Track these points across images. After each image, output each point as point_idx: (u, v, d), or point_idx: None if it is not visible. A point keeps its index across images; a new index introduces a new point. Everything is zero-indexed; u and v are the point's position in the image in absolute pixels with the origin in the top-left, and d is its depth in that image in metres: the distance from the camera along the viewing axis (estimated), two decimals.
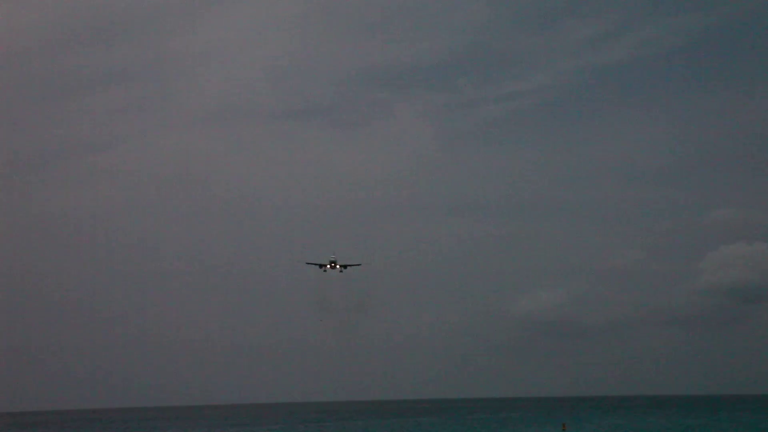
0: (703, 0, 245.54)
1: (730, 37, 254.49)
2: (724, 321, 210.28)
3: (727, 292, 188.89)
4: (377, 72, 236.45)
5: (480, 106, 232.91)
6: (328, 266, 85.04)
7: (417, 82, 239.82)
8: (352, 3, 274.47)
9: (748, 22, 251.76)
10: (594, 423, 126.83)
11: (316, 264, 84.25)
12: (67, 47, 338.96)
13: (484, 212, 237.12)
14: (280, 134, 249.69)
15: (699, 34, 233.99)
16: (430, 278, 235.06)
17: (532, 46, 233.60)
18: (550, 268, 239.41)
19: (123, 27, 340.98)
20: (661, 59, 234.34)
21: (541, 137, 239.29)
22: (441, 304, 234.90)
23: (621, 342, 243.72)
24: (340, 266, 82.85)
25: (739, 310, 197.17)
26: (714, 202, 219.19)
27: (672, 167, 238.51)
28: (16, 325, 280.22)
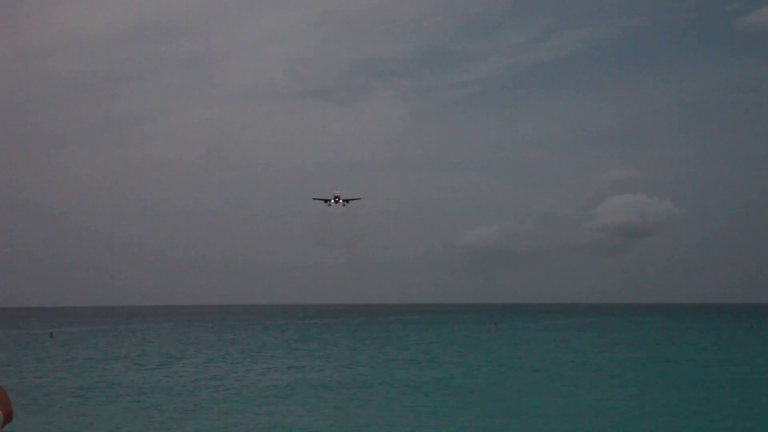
0: (600, 16, 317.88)
1: (621, 41, 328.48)
2: (613, 250, 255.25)
3: (616, 229, 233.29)
4: (364, 63, 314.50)
5: (439, 91, 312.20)
6: (333, 201, 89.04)
7: (392, 72, 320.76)
8: (346, 13, 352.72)
9: (635, 30, 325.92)
10: (518, 322, 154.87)
11: (321, 199, 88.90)
12: (143, 36, 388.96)
13: (444, 168, 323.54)
14: (292, 110, 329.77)
15: (598, 41, 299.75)
16: (406, 215, 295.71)
17: (478, 47, 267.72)
18: (489, 210, 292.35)
19: (178, 24, 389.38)
20: (572, 58, 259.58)
21: (484, 114, 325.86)
22: (413, 234, 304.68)
23: (540, 264, 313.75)
24: (343, 200, 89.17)
25: (624, 242, 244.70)
26: (608, 164, 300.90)
27: (579, 138, 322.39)
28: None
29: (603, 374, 44.94)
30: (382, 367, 50.58)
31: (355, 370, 48.17)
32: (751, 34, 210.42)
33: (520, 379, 42.92)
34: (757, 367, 50.36)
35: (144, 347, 79.17)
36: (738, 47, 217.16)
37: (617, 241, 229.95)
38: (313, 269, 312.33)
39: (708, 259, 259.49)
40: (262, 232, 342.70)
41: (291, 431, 25.53)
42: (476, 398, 34.06)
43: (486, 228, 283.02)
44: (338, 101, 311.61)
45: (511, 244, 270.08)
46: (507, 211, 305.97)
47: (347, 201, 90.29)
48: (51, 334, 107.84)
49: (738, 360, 55.84)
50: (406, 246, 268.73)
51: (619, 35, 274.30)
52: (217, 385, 41.50)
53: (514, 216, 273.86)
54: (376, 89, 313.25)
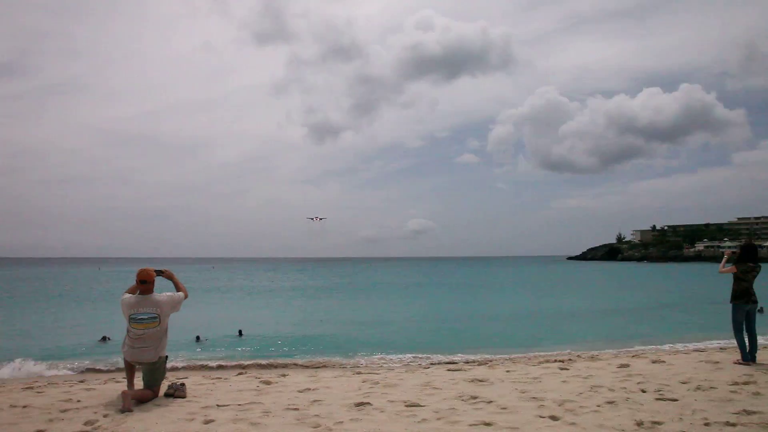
0: (406, 155, 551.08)
1: (414, 164, 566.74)
2: (412, 239, 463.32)
3: (413, 231, 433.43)
4: (334, 172, 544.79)
5: (360, 173, 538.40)
6: (315, 218, 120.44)
7: (337, 174, 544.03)
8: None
9: (417, 162, 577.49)
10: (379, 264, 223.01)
11: (310, 218, 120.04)
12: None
13: (359, 208, 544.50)
14: (296, 189, 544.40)
15: (408, 164, 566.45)
16: (339, 223, 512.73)
17: (373, 165, 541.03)
18: (367, 224, 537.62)
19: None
20: (407, 168, 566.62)
21: (368, 190, 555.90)
22: (339, 233, 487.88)
23: (384, 246, 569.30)
24: (320, 218, 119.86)
25: (416, 236, 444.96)
26: (410, 208, 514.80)
27: (398, 197, 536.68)
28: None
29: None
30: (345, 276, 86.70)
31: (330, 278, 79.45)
32: (460, 165, 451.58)
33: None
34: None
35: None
36: (455, 170, 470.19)
37: (413, 235, 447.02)
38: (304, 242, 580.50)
39: (442, 242, 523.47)
40: (284, 231, 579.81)
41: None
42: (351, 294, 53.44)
43: (367, 230, 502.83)
44: (317, 185, 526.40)
45: (377, 236, 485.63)
46: (374, 224, 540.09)
47: (322, 218, 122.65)
48: (212, 267, 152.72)
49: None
50: (338, 235, 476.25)
51: (415, 162, 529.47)
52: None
53: (376, 226, 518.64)
54: (331, 182, 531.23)
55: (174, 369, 14.15)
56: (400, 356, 16.53)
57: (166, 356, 8.74)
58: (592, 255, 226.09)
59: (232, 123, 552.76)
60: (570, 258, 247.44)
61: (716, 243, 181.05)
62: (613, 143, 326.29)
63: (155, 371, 8.49)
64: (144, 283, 8.49)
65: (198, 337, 20.73)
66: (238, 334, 22.51)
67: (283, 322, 28.37)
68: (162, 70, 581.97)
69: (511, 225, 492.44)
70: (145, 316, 8.35)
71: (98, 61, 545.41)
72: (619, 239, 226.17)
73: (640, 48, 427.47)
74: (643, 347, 17.70)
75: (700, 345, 17.62)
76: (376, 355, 17.03)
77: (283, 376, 11.50)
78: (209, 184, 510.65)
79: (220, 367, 14.87)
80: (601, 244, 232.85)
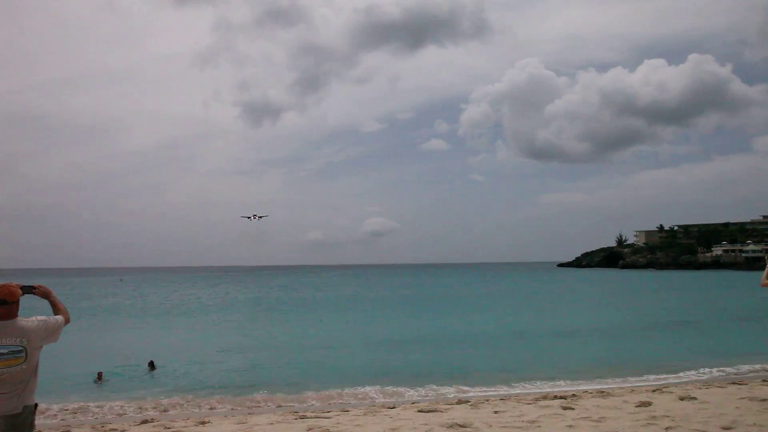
0: (363, 140, 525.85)
1: (374, 151, 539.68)
2: (369, 242, 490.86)
3: (370, 233, 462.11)
4: (266, 161, 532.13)
5: (298, 172, 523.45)
6: (252, 217, 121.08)
7: (278, 164, 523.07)
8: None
9: (382, 148, 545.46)
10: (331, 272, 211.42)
11: (246, 216, 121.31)
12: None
13: (293, 205, 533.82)
14: (231, 181, 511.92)
15: (365, 152, 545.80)
16: (281, 223, 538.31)
17: (314, 153, 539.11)
18: (315, 223, 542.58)
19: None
20: (355, 160, 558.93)
21: (316, 183, 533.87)
22: (283, 233, 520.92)
23: (338, 248, 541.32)
24: (259, 216, 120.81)
25: (374, 239, 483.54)
26: (368, 204, 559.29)
27: (355, 193, 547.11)
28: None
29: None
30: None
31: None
32: (426, 152, 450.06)
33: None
34: None
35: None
36: (421, 158, 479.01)
37: (370, 238, 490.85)
38: (240, 246, 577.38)
39: (406, 245, 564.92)
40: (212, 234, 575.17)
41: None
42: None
43: (315, 232, 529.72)
44: (254, 177, 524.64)
45: (327, 239, 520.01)
46: (323, 224, 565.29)
47: (261, 217, 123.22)
48: (120, 279, 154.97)
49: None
50: (280, 238, 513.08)
51: (373, 150, 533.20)
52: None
53: (325, 227, 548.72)
54: (271, 173, 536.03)
55: (49, 420, 13.05)
56: (357, 390, 15.98)
57: (36, 404, 7.69)
58: (587, 261, 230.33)
59: (144, 101, 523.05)
60: (561, 265, 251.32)
61: (738, 246, 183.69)
62: (610, 126, 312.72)
63: (19, 426, 7.46)
64: (4, 304, 7.56)
65: (100, 375, 19.49)
66: (148, 366, 21.43)
67: (207, 348, 27.67)
68: (54, 35, 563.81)
69: (489, 225, 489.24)
70: (5, 350, 7.43)
71: None
72: (620, 242, 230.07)
73: (641, 12, 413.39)
74: (661, 377, 17.28)
75: (733, 373, 17.26)
76: (325, 390, 16.24)
77: (203, 424, 10.61)
78: (116, 177, 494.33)
79: (119, 415, 13.88)
80: (598, 247, 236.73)
